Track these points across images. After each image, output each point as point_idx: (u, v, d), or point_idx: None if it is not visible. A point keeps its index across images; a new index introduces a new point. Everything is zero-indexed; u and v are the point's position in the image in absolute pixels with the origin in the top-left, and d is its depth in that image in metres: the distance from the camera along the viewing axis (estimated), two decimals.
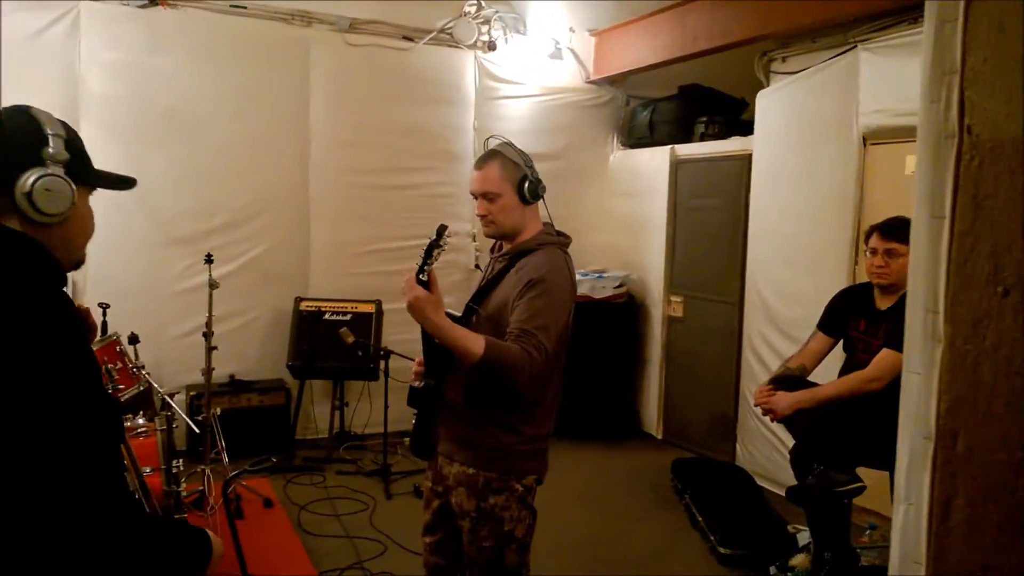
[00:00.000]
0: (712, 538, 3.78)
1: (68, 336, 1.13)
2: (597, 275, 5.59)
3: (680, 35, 5.01)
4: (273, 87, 5.05)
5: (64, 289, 1.23)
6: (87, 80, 4.54)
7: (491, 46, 5.59)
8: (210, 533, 1.33)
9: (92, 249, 4.44)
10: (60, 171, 1.22)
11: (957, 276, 0.55)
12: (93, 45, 4.54)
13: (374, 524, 4.03)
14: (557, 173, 5.84)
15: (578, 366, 5.55)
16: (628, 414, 5.83)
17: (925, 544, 0.63)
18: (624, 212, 5.89)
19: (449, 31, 5.45)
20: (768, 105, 4.67)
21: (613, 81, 5.94)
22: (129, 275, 4.69)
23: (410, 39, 5.39)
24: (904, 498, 0.69)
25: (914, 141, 3.37)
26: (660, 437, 5.65)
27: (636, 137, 5.85)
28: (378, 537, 3.86)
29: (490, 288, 2.20)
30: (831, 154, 4.22)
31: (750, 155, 4.81)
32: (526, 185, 2.16)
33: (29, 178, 1.19)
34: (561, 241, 2.25)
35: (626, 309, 5.68)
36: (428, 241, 2.00)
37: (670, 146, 5.46)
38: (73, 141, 1.28)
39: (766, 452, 4.59)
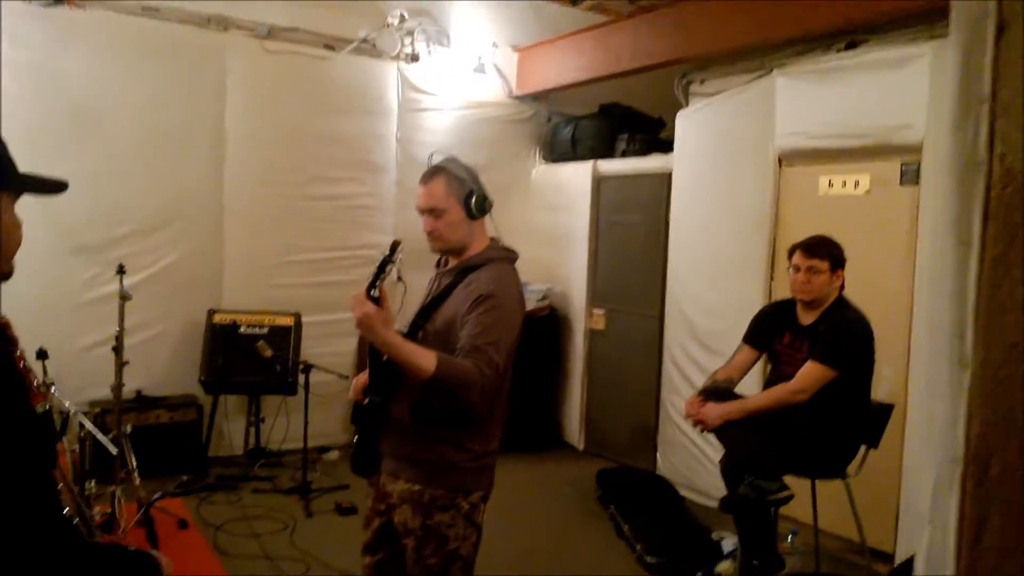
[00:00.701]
0: (638, 547, 3.85)
1: None
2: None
3: (603, 55, 5.12)
4: (187, 91, 4.86)
5: None
6: None
7: (414, 57, 5.56)
8: (158, 555, 1.26)
9: None
10: None
11: (990, 302, 0.59)
12: None
13: (295, 543, 3.91)
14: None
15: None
16: (550, 425, 5.88)
17: (953, 568, 0.65)
18: (547, 226, 5.96)
19: (372, 41, 5.39)
20: (687, 125, 4.83)
21: (536, 97, 6.01)
22: (30, 286, 4.37)
23: (331, 48, 5.30)
24: (930, 521, 0.71)
25: (826, 164, 3.55)
26: (582, 448, 5.72)
27: (559, 152, 5.93)
28: (300, 557, 3.75)
29: (437, 303, 2.18)
30: (748, 174, 4.39)
31: (670, 173, 4.96)
32: (472, 200, 2.14)
33: None
34: (510, 256, 2.24)
35: (549, 322, 5.73)
36: (380, 257, 1.96)
37: (592, 161, 5.56)
38: None
39: (686, 461, 4.72)
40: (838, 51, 3.94)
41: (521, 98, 5.99)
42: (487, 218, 2.24)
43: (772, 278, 4.25)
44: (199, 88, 4.90)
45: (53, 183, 1.29)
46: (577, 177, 5.65)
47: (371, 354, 2.10)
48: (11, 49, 4.30)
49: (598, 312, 5.56)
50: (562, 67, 5.55)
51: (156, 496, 2.52)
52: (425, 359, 1.93)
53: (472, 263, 2.17)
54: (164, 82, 4.77)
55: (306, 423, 4.55)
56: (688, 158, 4.84)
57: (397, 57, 5.51)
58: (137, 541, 3.34)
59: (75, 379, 4.51)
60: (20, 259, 4.42)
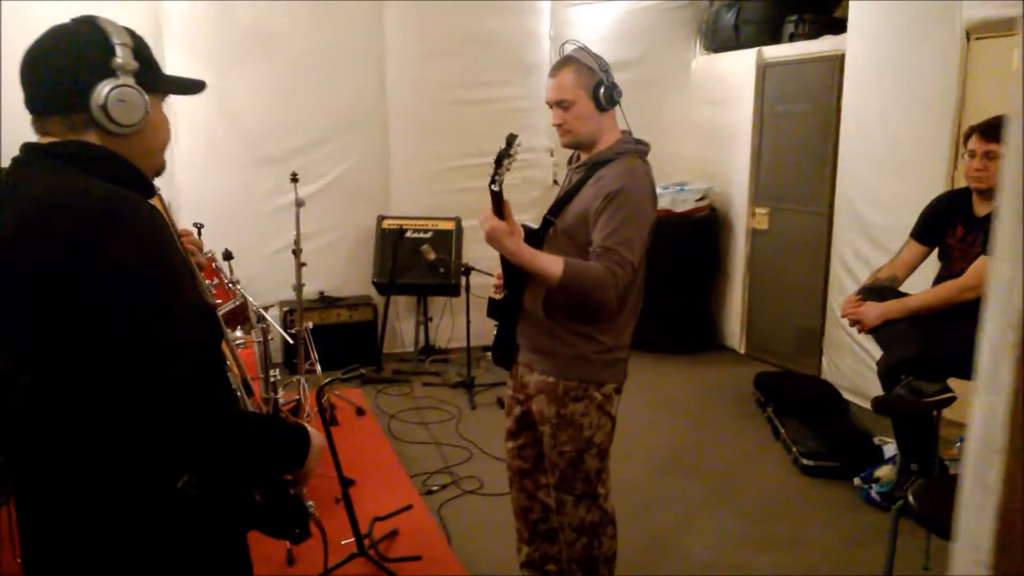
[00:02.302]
0: (794, 450, 3.77)
1: (158, 241, 1.16)
2: (678, 188, 5.47)
3: None
4: (349, 5, 5.01)
5: (152, 197, 1.27)
6: (168, 3, 4.63)
7: None
8: (309, 427, 1.39)
9: (186, 170, 4.65)
10: (131, 80, 1.21)
11: None
12: None
13: (460, 432, 4.19)
14: (635, 82, 5.63)
15: (658, 280, 5.51)
16: (709, 328, 5.79)
17: (1007, 434, 0.62)
18: (707, 121, 5.70)
19: None
20: (863, 1, 4.37)
21: None
22: (221, 195, 4.88)
23: None
24: (987, 388, 0.67)
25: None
26: (743, 351, 5.60)
27: (721, 41, 5.58)
28: (464, 444, 4.02)
29: (567, 200, 2.19)
30: (931, 51, 3.93)
31: (843, 56, 4.54)
32: (601, 91, 2.11)
33: (102, 90, 1.18)
34: (640, 149, 2.20)
35: (708, 222, 5.56)
36: (498, 152, 1.99)
37: (756, 48, 5.20)
38: (141, 49, 1.26)
39: (853, 365, 4.50)
40: None
41: None
42: (617, 110, 2.20)
43: (955, 167, 3.85)
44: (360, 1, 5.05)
45: (192, 83, 1.38)
46: (740, 66, 5.31)
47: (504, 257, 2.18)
48: None
49: (761, 211, 5.31)
50: None
51: (326, 381, 2.78)
52: (552, 266, 1.98)
53: (602, 157, 2.16)
54: None
55: (468, 322, 4.80)
56: (864, 37, 4.39)
57: None
58: (319, 424, 3.74)
59: (267, 280, 5.01)
60: (215, 169, 4.96)
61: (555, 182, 5.41)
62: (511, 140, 1.97)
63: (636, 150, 2.19)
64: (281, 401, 3.38)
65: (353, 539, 2.84)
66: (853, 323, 2.95)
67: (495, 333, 2.39)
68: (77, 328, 1.10)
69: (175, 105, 4.57)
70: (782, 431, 3.99)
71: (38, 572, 1.29)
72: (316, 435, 1.39)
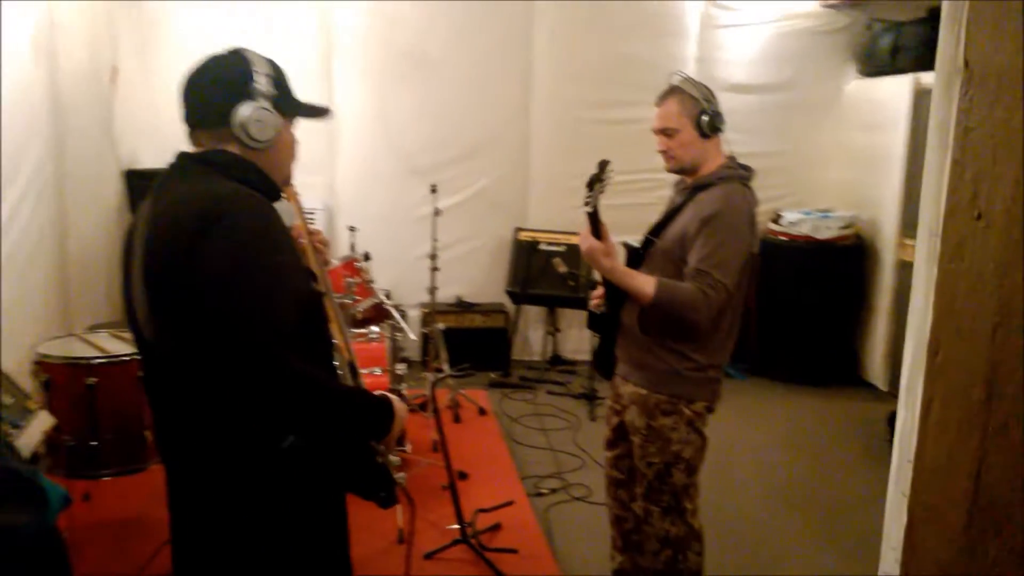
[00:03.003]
0: None
1: (264, 232, 1.40)
2: (822, 214, 5.31)
3: None
4: (499, 24, 5.30)
5: (277, 199, 1.51)
6: (340, 24, 5.12)
7: None
8: (394, 399, 1.57)
9: (346, 179, 5.12)
10: (267, 104, 1.47)
11: (948, 202, 0.58)
12: None
13: (576, 442, 4.30)
14: (783, 105, 5.60)
15: (795, 308, 5.45)
16: (848, 361, 5.55)
17: (915, 445, 0.67)
18: (858, 147, 5.49)
19: None
20: None
21: (854, 4, 5.47)
22: (375, 202, 5.31)
23: None
24: (903, 403, 0.73)
25: None
26: (885, 388, 5.33)
27: (876, 65, 5.37)
28: (578, 453, 4.13)
29: (667, 221, 2.29)
30: None
31: None
32: (704, 119, 2.19)
33: (243, 110, 1.44)
34: (742, 175, 2.26)
35: (852, 251, 5.35)
36: (590, 176, 2.12)
37: (914, 74, 4.97)
38: (278, 78, 1.52)
39: None
40: None
41: (836, 6, 5.50)
42: (723, 137, 2.27)
43: None
44: (510, 21, 5.32)
45: (319, 109, 1.63)
46: (896, 92, 5.09)
47: None
48: None
49: (911, 243, 5.05)
50: None
51: (440, 376, 3.00)
52: (645, 286, 2.09)
53: (703, 182, 2.23)
54: (480, 20, 5.27)
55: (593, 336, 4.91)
56: None
57: None
58: (443, 419, 3.99)
59: (410, 283, 5.35)
60: (371, 178, 5.47)
61: None
62: (603, 166, 2.09)
63: (738, 175, 2.24)
64: (409, 396, 3.65)
65: (457, 526, 3.04)
66: None
67: (597, 343, 2.51)
68: (194, 301, 1.34)
69: (342, 123, 5.07)
70: None
71: (180, 518, 1.56)
72: (399, 407, 1.57)
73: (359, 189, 5.31)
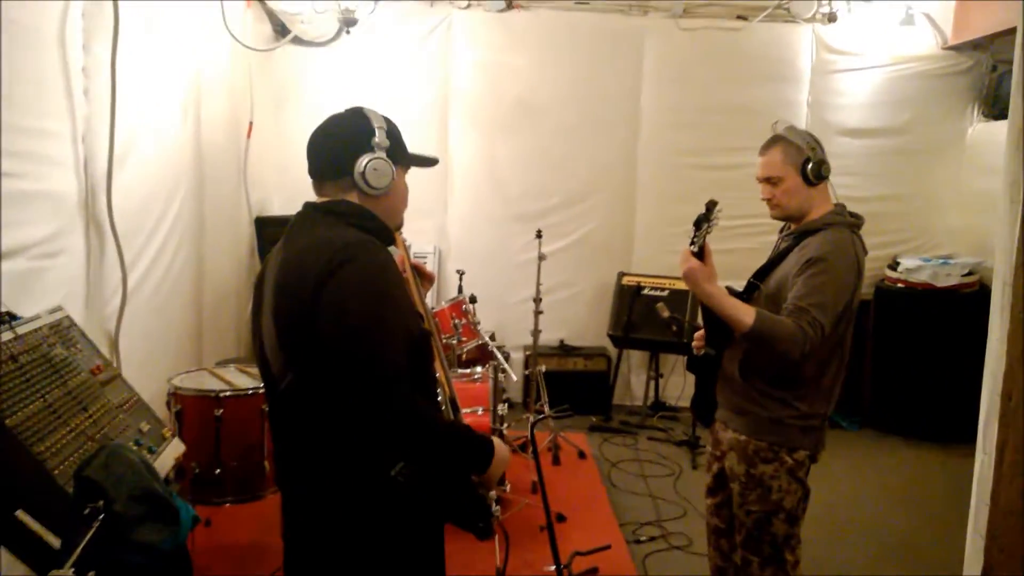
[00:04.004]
0: None
1: (382, 275, 1.52)
2: (942, 261, 5.08)
3: None
4: (608, 75, 5.44)
5: (389, 246, 1.63)
6: (455, 77, 5.38)
7: (831, 18, 5.34)
8: (496, 440, 1.65)
9: (456, 223, 5.36)
10: (383, 155, 1.62)
11: (1019, 254, 0.59)
12: (460, 46, 5.35)
13: (677, 490, 4.24)
14: (901, 149, 5.45)
15: (912, 358, 5.18)
16: (968, 416, 5.21)
17: (991, 488, 0.67)
18: (983, 191, 5.23)
19: (785, 7, 5.33)
20: None
21: (976, 45, 5.29)
22: (481, 246, 5.49)
23: (744, 18, 5.40)
24: (981, 449, 0.73)
25: None
26: None
27: (1002, 107, 5.15)
28: (679, 502, 4.07)
29: (772, 266, 2.29)
30: None
31: None
32: (809, 167, 2.20)
33: (363, 161, 1.60)
34: (851, 222, 2.24)
35: (976, 299, 5.07)
36: (698, 217, 2.14)
37: None
38: (392, 132, 1.67)
39: None
40: None
41: (957, 48, 5.33)
42: (828, 184, 2.26)
43: None
44: (619, 71, 5.45)
45: (429, 159, 1.78)
46: None
47: (705, 309, 2.31)
48: (472, 51, 5.36)
49: None
50: (1012, 6, 4.78)
51: (538, 417, 3.05)
52: (745, 313, 2.08)
53: (809, 227, 2.23)
54: (589, 68, 5.43)
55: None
56: None
57: (812, 19, 5.37)
58: (542, 462, 4.04)
59: (515, 325, 5.48)
60: (479, 223, 5.73)
61: None
62: (711, 206, 2.11)
63: (846, 222, 2.22)
64: (509, 436, 3.72)
65: (554, 568, 3.05)
66: None
67: (695, 387, 2.51)
68: (319, 337, 1.47)
69: (454, 170, 5.31)
70: None
71: (293, 545, 1.69)
72: (501, 447, 1.65)
73: (467, 234, 5.51)
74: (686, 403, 5.29)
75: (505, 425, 3.50)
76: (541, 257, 4.32)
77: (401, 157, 1.69)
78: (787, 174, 2.22)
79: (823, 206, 2.26)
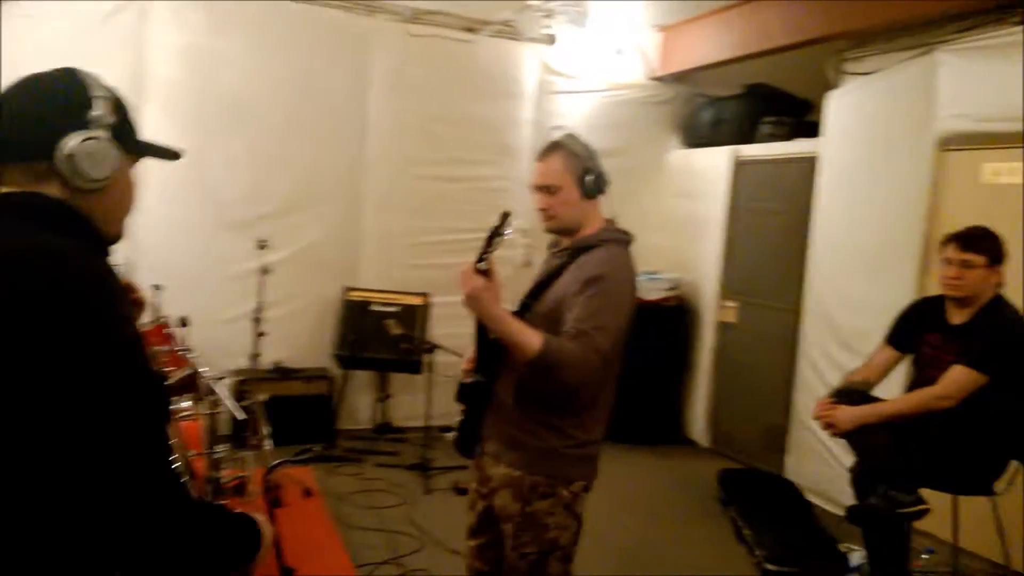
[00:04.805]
0: (758, 553, 3.64)
1: (110, 309, 1.06)
2: (649, 276, 5.46)
3: (753, 30, 4.84)
4: (333, 75, 5.03)
5: (106, 260, 1.16)
6: (152, 64, 4.58)
7: (552, 39, 5.50)
8: (260, 519, 1.26)
9: (149, 230, 4.49)
10: (105, 135, 1.15)
11: None
12: (159, 29, 4.57)
13: (412, 520, 3.98)
14: (615, 171, 5.62)
15: (624, 368, 5.49)
16: (673, 420, 5.69)
17: None
18: (681, 213, 5.75)
19: (511, 24, 5.38)
20: (839, 106, 4.49)
21: (678, 78, 5.79)
22: (183, 257, 4.71)
23: (472, 31, 5.33)
24: None
25: (994, 148, 3.18)
26: (706, 445, 5.50)
27: (698, 136, 5.70)
28: (415, 533, 3.81)
29: (547, 284, 2.11)
30: (904, 159, 4.02)
31: (815, 158, 4.63)
32: (589, 178, 2.06)
33: (72, 140, 1.11)
34: (624, 238, 2.15)
35: (677, 312, 5.54)
36: (490, 229, 1.91)
37: (732, 146, 5.30)
38: (120, 106, 1.20)
39: (816, 466, 4.42)
40: (1013, 24, 3.51)
41: (662, 79, 5.79)
42: (603, 199, 2.15)
43: (926, 273, 3.88)
44: (345, 72, 5.06)
45: (169, 151, 1.33)
46: (715, 162, 5.40)
47: (478, 332, 2.08)
48: (173, 35, 4.61)
49: (730, 304, 5.30)
50: (708, 45, 5.30)
51: (276, 463, 2.61)
52: (531, 338, 1.88)
53: (585, 244, 2.09)
54: (311, 68, 4.96)
55: (429, 402, 4.64)
56: (838, 142, 4.49)
57: (536, 39, 5.47)
58: (263, 505, 3.51)
59: (220, 348, 4.80)
60: (178, 230, 4.81)
61: (529, 263, 5.36)
62: (505, 218, 1.89)
63: (620, 239, 2.13)
64: (224, 479, 3.17)
65: None
66: (826, 426, 2.88)
67: (460, 418, 2.27)
68: (31, 392, 0.99)
69: (150, 168, 4.48)
70: (746, 533, 3.86)
71: None
72: (267, 528, 1.27)
73: (165, 243, 4.67)
74: (415, 423, 5.06)
75: (222, 471, 2.95)
76: (264, 270, 3.79)
77: (130, 141, 1.21)
78: (566, 184, 2.06)
79: (597, 221, 2.15)
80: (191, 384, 3.36)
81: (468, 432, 2.24)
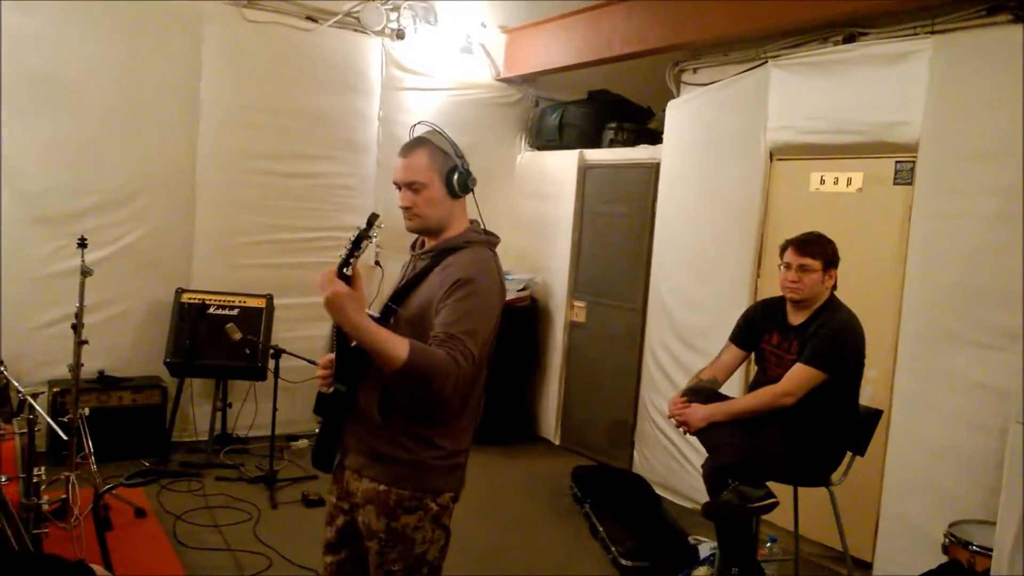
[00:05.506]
0: (614, 549, 3.73)
1: None
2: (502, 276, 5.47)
3: (595, 38, 4.98)
4: (159, 57, 4.65)
5: None
6: None
7: (399, 34, 5.38)
8: (96, 569, 1.10)
9: None
10: None
11: None
12: None
13: (258, 536, 3.75)
14: None
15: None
16: (525, 419, 5.76)
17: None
18: (531, 214, 5.81)
19: (356, 15, 5.21)
20: (678, 115, 4.70)
21: (524, 80, 5.85)
22: None
23: (314, 20, 5.11)
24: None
25: (819, 159, 3.44)
26: (557, 443, 5.60)
27: (545, 139, 5.78)
28: (263, 550, 3.59)
29: (411, 287, 2.02)
30: (738, 167, 4.27)
31: (658, 164, 4.83)
32: (455, 177, 2.00)
33: None
34: (490, 240, 2.10)
35: (528, 312, 5.60)
36: (355, 232, 1.79)
37: (579, 150, 5.42)
38: None
39: (664, 460, 4.61)
40: (836, 44, 3.82)
41: (508, 81, 5.83)
42: (469, 199, 2.09)
43: (759, 275, 4.14)
44: (174, 56, 4.70)
45: None
46: (563, 165, 5.51)
47: (339, 339, 1.95)
48: None
49: (579, 304, 5.43)
50: (551, 50, 5.39)
51: (109, 486, 2.35)
52: (398, 346, 1.78)
53: (450, 245, 2.02)
54: (135, 49, 4.57)
55: (275, 410, 4.39)
56: (677, 149, 4.71)
57: (382, 33, 5.33)
58: (89, 530, 3.17)
59: (33, 357, 4.37)
60: None
61: (376, 263, 5.22)
62: (372, 220, 1.77)
63: (486, 240, 2.08)
64: (44, 503, 2.82)
65: None
66: (679, 424, 2.98)
67: (318, 431, 2.13)
68: None
69: None
70: (600, 529, 3.95)
71: None
72: (102, 574, 1.11)
73: None
74: (259, 432, 4.79)
75: (46, 497, 2.62)
76: (86, 272, 3.41)
77: None
78: (431, 181, 1.98)
79: (461, 222, 2.08)
80: (1, 399, 2.98)
81: (327, 445, 2.10)
